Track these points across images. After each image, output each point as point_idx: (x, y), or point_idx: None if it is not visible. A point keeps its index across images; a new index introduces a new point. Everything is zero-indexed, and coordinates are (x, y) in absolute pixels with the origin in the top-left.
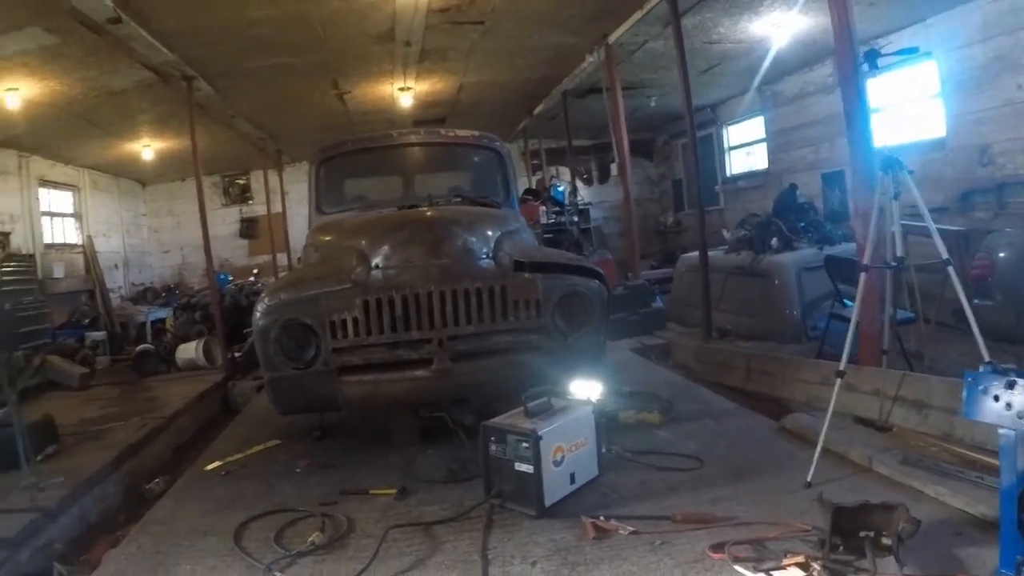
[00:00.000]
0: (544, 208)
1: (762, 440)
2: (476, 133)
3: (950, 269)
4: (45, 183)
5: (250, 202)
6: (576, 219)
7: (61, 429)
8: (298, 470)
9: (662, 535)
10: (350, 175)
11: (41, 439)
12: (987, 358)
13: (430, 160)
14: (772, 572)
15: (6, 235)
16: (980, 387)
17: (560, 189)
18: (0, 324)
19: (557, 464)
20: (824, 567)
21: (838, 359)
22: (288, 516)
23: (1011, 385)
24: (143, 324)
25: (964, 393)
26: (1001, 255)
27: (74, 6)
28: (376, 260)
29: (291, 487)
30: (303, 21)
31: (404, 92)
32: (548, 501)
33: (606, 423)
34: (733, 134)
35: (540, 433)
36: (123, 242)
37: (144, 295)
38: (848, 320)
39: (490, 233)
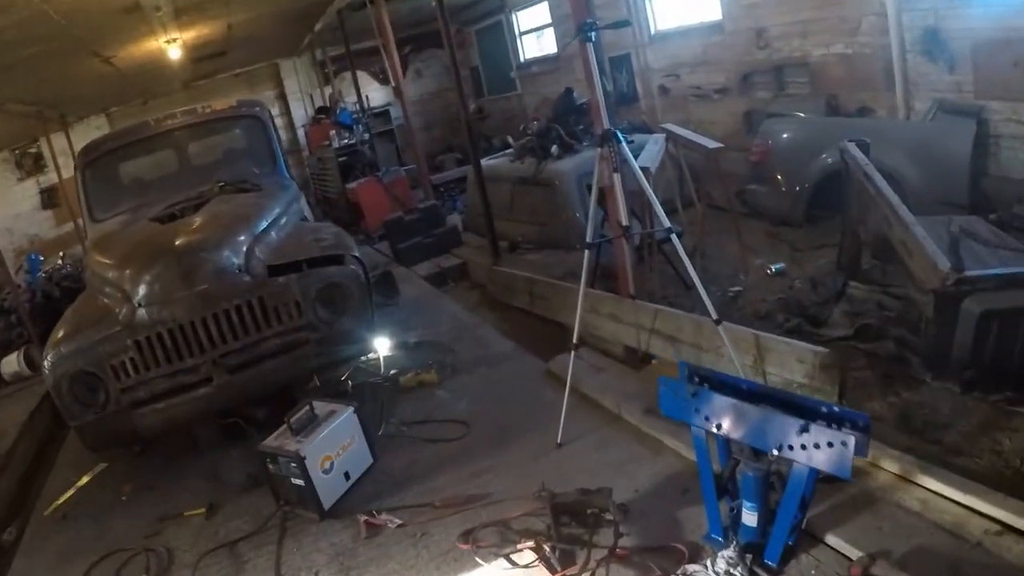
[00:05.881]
0: (334, 132)
1: (528, 389)
2: (235, 103)
3: (674, 238)
4: None
5: (46, 170)
6: (368, 136)
7: None
8: (124, 498)
9: (423, 524)
10: (117, 174)
11: None
12: (714, 315)
13: (195, 138)
14: (511, 555)
15: None
16: (674, 392)
17: (347, 111)
18: None
19: (327, 472)
20: (553, 548)
21: (615, 276)
22: (120, 557)
23: (695, 394)
24: None
25: (660, 393)
26: (779, 138)
27: None
28: (137, 299)
29: (120, 519)
30: (42, 19)
31: (171, 44)
32: (326, 505)
33: (389, 390)
34: (523, 19)
35: (303, 453)
36: None
37: None
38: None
39: (243, 238)
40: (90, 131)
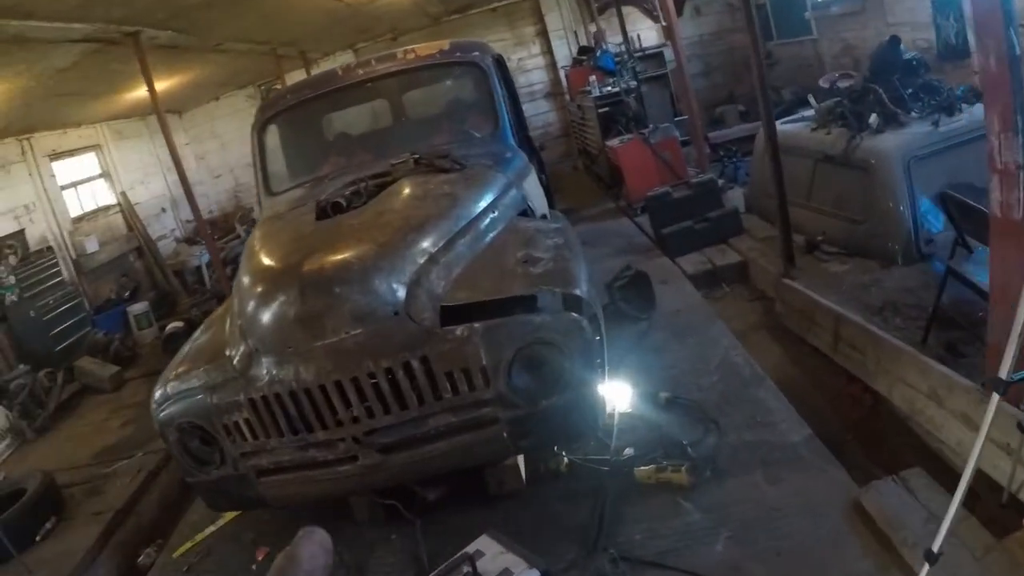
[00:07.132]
0: (594, 78)
1: (825, 540)
2: (446, 47)
3: None
4: (58, 156)
5: None
6: (635, 83)
7: (70, 475)
8: (254, 567)
9: None
10: (299, 134)
11: (41, 511)
12: None
13: (396, 91)
14: None
15: (18, 234)
16: None
17: (609, 55)
18: (28, 333)
19: None
20: None
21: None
22: None
23: None
24: (198, 268)
25: None
26: None
27: None
28: (253, 343)
29: None
30: None
31: None
32: None
33: (616, 486)
34: None
35: None
36: (166, 181)
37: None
38: (975, 287)
39: (411, 254)
40: (336, 64)
